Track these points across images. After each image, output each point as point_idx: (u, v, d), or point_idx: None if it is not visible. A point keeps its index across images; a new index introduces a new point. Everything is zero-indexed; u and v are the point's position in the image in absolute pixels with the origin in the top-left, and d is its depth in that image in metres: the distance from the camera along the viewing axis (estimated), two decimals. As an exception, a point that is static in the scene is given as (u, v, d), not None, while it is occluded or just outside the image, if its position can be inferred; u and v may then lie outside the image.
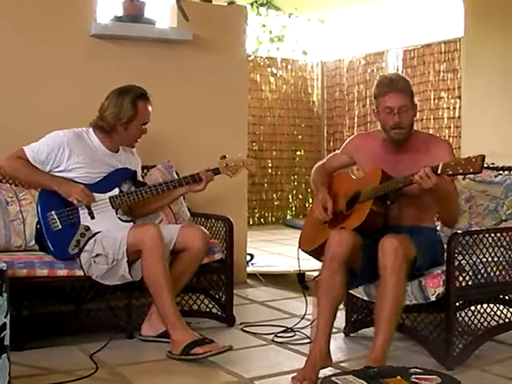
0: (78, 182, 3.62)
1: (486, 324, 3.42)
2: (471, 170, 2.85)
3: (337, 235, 3.11)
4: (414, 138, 3.35)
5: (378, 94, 3.29)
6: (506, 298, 3.63)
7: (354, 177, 3.59)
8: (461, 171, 2.88)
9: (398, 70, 8.58)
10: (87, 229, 3.54)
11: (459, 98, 7.75)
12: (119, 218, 3.67)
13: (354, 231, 3.15)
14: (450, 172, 2.89)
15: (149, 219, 3.94)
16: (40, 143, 3.63)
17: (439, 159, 3.03)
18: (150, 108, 3.74)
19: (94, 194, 3.63)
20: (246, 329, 3.89)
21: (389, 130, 3.27)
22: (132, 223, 3.68)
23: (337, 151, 3.71)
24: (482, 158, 2.81)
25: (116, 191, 3.70)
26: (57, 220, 3.59)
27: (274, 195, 9.51)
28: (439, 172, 2.91)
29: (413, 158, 3.24)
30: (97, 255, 3.48)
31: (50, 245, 3.57)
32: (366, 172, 3.45)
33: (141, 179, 3.93)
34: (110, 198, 3.67)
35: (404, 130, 3.26)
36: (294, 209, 9.68)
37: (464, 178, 3.92)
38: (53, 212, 3.59)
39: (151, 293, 3.45)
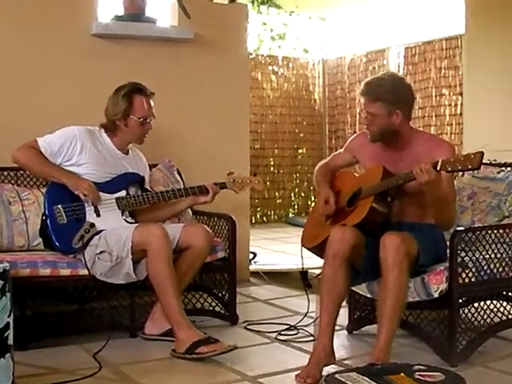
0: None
1: (489, 320, 3.42)
2: (470, 167, 2.86)
3: (338, 232, 3.11)
4: (415, 137, 3.34)
5: None
6: (510, 294, 3.62)
7: (356, 174, 3.59)
8: (459, 168, 2.89)
9: (399, 67, 8.58)
10: (92, 225, 3.55)
11: (461, 94, 7.74)
12: (125, 219, 3.68)
13: (356, 228, 3.15)
14: (450, 168, 2.90)
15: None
16: (54, 135, 3.68)
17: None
18: (151, 103, 3.75)
19: (102, 194, 3.65)
20: (249, 327, 3.89)
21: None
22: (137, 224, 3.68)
23: (340, 150, 3.72)
24: (481, 154, 2.82)
25: (123, 193, 3.72)
26: (62, 214, 3.60)
27: (277, 193, 9.51)
28: (438, 168, 2.91)
29: (413, 156, 3.23)
30: (101, 252, 3.48)
31: (53, 237, 3.58)
32: (368, 169, 3.45)
33: (148, 187, 3.94)
34: (116, 198, 3.68)
35: (372, 132, 3.29)
36: (296, 207, 9.68)
37: (463, 175, 3.92)
38: (59, 206, 3.61)
39: (156, 292, 3.46)
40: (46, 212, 3.63)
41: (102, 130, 3.78)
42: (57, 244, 3.58)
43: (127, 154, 3.85)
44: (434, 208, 3.16)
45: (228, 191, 3.94)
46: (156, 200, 3.76)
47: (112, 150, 3.77)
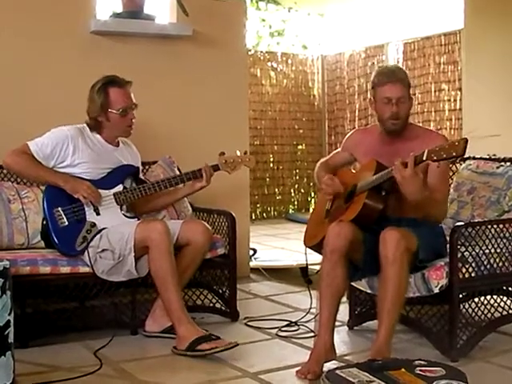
0: (82, 178, 3.62)
1: (489, 315, 3.42)
2: (454, 154, 2.84)
3: (335, 228, 3.11)
4: (410, 130, 3.36)
5: (377, 84, 3.31)
6: (510, 289, 3.62)
7: (353, 171, 3.60)
8: (444, 156, 2.86)
9: (398, 62, 8.56)
10: (93, 225, 3.55)
11: (460, 89, 7.73)
12: (124, 214, 3.68)
13: (353, 223, 3.15)
14: (435, 157, 2.89)
15: (151, 216, 3.95)
16: (44, 138, 3.64)
17: None
18: (128, 93, 3.70)
19: (99, 191, 3.63)
20: (249, 323, 3.89)
21: (385, 121, 3.29)
22: (137, 219, 3.69)
23: (339, 149, 3.72)
24: (465, 141, 2.81)
25: (120, 187, 3.70)
26: (63, 216, 3.58)
27: (276, 189, 9.50)
28: (425, 158, 2.90)
29: (408, 150, 3.22)
30: (103, 250, 3.48)
31: (56, 241, 3.56)
32: (362, 165, 3.46)
33: (142, 177, 3.93)
34: (114, 194, 3.67)
35: (400, 121, 3.28)
36: (296, 203, 9.67)
37: (451, 164, 3.91)
38: (59, 208, 3.59)
39: (158, 288, 3.46)
40: (47, 216, 3.60)
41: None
42: (60, 247, 3.55)
43: (118, 145, 3.83)
44: (413, 206, 3.13)
45: (227, 182, 3.91)
46: (153, 190, 3.74)
47: (103, 144, 3.74)
